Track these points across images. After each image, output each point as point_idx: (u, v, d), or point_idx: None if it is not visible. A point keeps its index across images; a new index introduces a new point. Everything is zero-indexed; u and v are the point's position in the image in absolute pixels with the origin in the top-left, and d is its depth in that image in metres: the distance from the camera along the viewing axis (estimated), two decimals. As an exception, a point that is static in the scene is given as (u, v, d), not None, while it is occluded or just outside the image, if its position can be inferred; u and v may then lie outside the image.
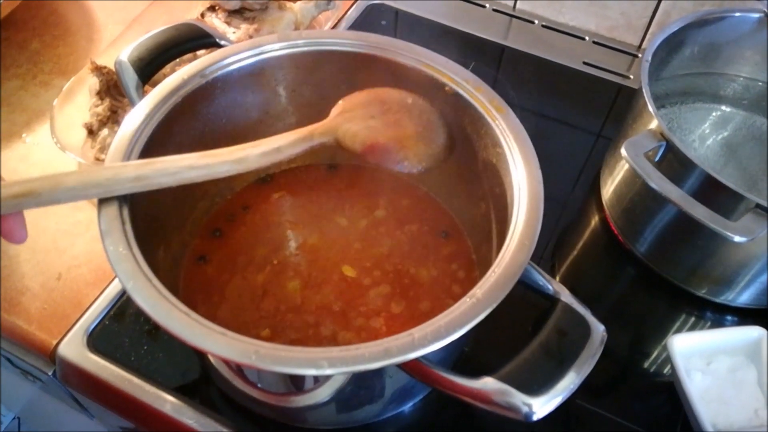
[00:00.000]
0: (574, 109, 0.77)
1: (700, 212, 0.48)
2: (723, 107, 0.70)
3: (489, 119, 0.50)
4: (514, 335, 0.55)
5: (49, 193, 0.40)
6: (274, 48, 0.53)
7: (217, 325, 0.37)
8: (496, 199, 0.51)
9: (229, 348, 0.36)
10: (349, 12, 0.85)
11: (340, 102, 0.50)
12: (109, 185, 0.42)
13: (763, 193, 0.64)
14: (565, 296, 0.41)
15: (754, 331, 0.54)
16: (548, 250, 0.65)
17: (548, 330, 0.39)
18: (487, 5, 0.87)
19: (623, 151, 0.50)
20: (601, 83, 0.79)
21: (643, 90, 0.55)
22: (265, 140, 0.46)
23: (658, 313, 0.61)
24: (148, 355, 0.54)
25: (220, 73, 0.51)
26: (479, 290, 0.40)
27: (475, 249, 0.57)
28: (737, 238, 0.47)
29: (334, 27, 0.81)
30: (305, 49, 0.53)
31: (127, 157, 0.45)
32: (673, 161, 0.53)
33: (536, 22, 0.86)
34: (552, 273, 0.64)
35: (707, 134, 0.68)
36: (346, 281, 0.55)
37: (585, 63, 0.81)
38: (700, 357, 0.54)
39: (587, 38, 0.84)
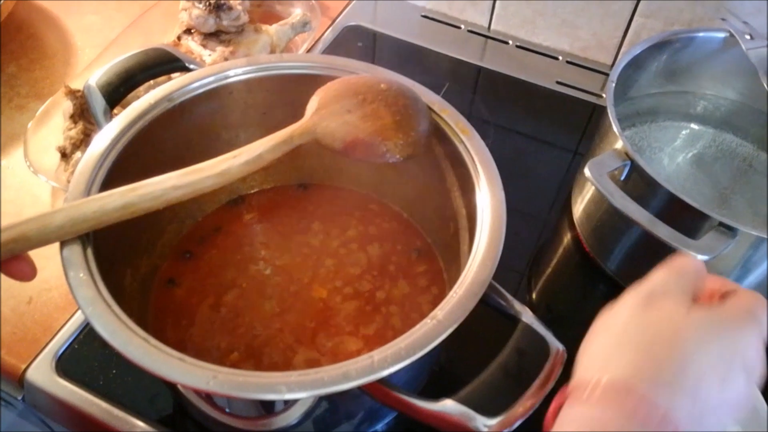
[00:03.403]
0: (551, 127, 0.78)
1: (662, 231, 0.48)
2: (692, 125, 0.71)
3: (455, 141, 0.50)
4: (490, 352, 0.55)
5: (38, 235, 0.40)
6: (241, 72, 0.53)
7: (178, 351, 0.37)
8: (463, 220, 0.52)
9: (185, 374, 0.36)
10: (325, 34, 0.85)
11: (315, 97, 0.50)
12: (97, 218, 0.41)
13: (734, 210, 0.65)
14: (527, 317, 0.41)
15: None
16: (528, 267, 0.65)
17: (508, 350, 0.39)
18: (462, 26, 0.88)
19: (586, 171, 0.51)
20: (575, 102, 0.80)
21: (608, 110, 0.56)
22: (245, 149, 0.46)
23: (631, 330, 0.61)
24: (118, 378, 0.54)
25: (187, 96, 0.52)
26: (440, 311, 0.40)
27: (446, 268, 0.57)
28: (699, 257, 0.47)
29: (310, 49, 0.82)
30: (274, 72, 0.54)
31: (92, 180, 0.45)
32: (638, 180, 0.53)
33: (510, 42, 0.87)
34: (528, 290, 0.64)
35: (677, 152, 0.69)
36: (318, 302, 0.55)
37: (558, 83, 0.82)
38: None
39: (561, 58, 0.85)
